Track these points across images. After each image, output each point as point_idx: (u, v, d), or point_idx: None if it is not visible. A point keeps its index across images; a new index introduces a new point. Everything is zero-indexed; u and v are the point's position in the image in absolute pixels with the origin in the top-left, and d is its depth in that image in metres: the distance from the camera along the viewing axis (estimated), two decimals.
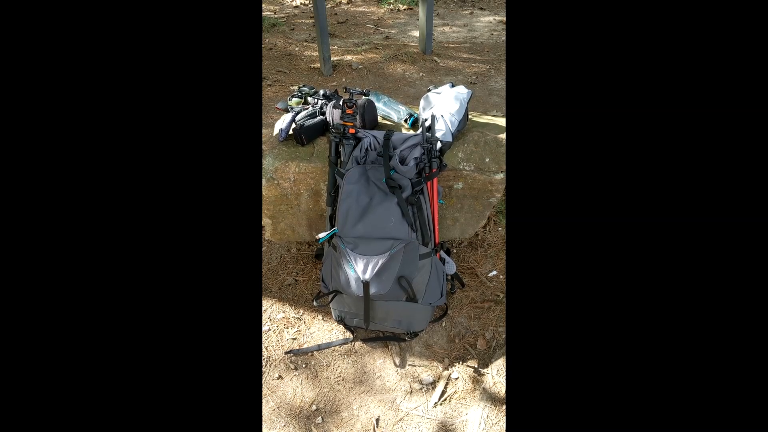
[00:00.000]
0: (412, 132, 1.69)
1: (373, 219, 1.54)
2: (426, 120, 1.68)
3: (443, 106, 1.71)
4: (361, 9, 4.94)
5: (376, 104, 1.83)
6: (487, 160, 1.78)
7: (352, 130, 1.59)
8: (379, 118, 1.86)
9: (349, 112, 1.57)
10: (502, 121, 1.92)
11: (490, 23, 4.53)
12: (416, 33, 4.27)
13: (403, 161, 1.61)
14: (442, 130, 1.67)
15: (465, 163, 1.77)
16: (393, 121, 1.86)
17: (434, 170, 1.57)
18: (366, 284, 1.49)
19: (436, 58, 3.79)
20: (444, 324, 1.74)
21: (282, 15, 4.76)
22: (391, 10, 4.90)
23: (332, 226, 1.69)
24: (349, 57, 3.77)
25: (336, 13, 4.78)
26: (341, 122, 1.59)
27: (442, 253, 1.68)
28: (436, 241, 1.63)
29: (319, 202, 1.86)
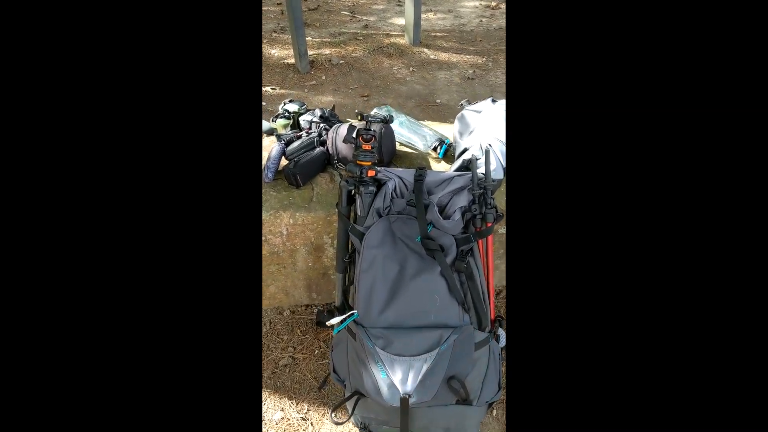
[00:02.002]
0: (451, 172, 1.21)
1: (410, 299, 1.07)
2: (466, 150, 1.21)
3: (488, 130, 1.24)
4: None
5: (393, 126, 1.35)
6: None
7: (371, 173, 1.11)
8: (397, 145, 1.37)
9: (367, 147, 1.09)
10: None
11: (477, 8, 4.06)
12: (397, 20, 3.75)
13: (442, 209, 1.14)
14: (491, 165, 1.20)
15: None
16: (417, 150, 1.38)
17: (489, 224, 1.11)
18: (406, 396, 1.03)
19: (425, 49, 3.29)
20: (495, 412, 1.31)
21: None
22: None
23: (346, 302, 1.22)
24: (327, 51, 3.23)
25: None
26: (356, 162, 1.10)
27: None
28: (492, 316, 1.18)
29: (321, 258, 1.38)
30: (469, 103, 1.34)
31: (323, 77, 2.95)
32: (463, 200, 1.12)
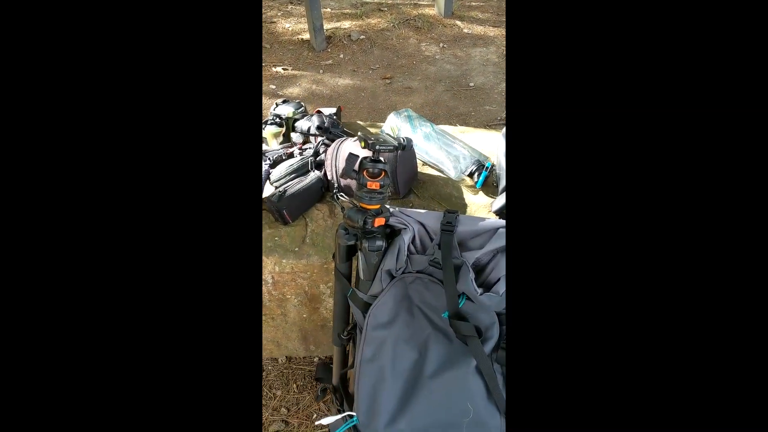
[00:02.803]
0: (494, 219, 0.85)
1: (431, 405, 0.74)
2: None
3: None
4: None
5: (412, 138, 0.98)
6: None
7: (380, 221, 0.76)
8: (419, 165, 1.02)
9: (374, 186, 0.74)
10: None
11: None
12: None
13: (480, 271, 0.80)
14: None
15: None
16: (445, 175, 1.01)
17: None
18: None
19: (458, 21, 2.85)
20: None
21: None
22: None
23: (345, 390, 0.90)
24: (346, 24, 2.82)
25: None
26: (359, 205, 0.76)
27: None
28: None
29: (318, 310, 1.06)
30: None
31: (341, 55, 2.56)
32: None
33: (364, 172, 0.75)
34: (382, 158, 0.75)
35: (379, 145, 0.72)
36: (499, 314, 0.77)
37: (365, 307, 0.80)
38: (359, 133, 0.74)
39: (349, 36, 2.69)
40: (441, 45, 2.67)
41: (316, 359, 1.25)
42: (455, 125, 1.34)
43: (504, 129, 0.96)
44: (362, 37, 2.70)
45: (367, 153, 0.76)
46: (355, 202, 0.78)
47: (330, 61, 2.54)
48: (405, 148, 0.76)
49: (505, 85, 2.36)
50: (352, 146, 0.89)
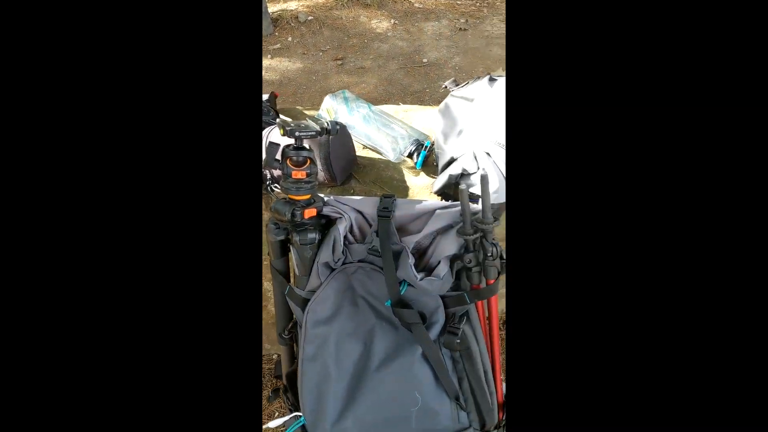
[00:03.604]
0: (432, 201, 0.81)
1: (378, 398, 0.71)
2: (454, 161, 0.81)
3: (484, 129, 0.83)
4: None
5: (349, 121, 0.93)
6: None
7: (311, 213, 0.72)
8: (359, 148, 0.96)
9: (300, 175, 0.69)
10: None
11: None
12: None
13: (421, 255, 0.76)
14: (494, 186, 0.80)
15: None
16: (384, 156, 0.97)
17: (491, 281, 0.73)
18: None
19: None
20: None
21: None
22: None
23: (292, 389, 0.86)
24: (293, 5, 2.72)
25: None
26: (287, 197, 0.71)
27: None
28: (500, 400, 0.82)
29: (267, 307, 1.01)
30: (456, 85, 0.92)
31: (289, 38, 2.47)
32: (451, 245, 0.73)
33: (288, 161, 0.69)
34: (306, 145, 0.70)
35: (299, 131, 0.66)
36: (443, 297, 0.74)
37: (304, 303, 0.75)
38: (277, 120, 0.69)
39: (297, 17, 2.59)
40: (392, 21, 2.60)
41: (274, 356, 1.21)
42: (409, 104, 1.29)
43: (440, 105, 0.92)
44: (310, 18, 2.60)
45: (290, 141, 0.71)
46: (278, 204, 0.73)
47: (278, 45, 2.44)
48: (330, 132, 0.71)
49: (458, 59, 2.32)
50: (277, 134, 0.83)
